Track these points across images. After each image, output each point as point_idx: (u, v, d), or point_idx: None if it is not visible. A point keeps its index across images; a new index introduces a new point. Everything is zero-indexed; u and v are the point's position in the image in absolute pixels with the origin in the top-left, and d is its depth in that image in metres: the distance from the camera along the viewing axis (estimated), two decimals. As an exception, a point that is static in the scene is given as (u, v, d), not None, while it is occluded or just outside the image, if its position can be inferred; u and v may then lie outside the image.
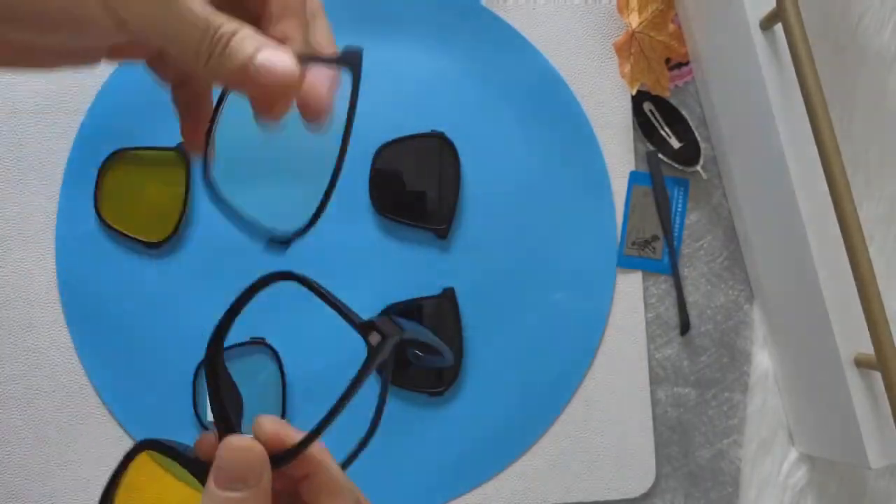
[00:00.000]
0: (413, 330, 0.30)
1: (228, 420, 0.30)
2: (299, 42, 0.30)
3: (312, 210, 0.31)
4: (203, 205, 0.59)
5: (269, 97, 0.28)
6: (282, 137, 0.31)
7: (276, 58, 0.27)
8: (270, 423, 0.30)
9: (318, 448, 0.31)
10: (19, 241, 0.58)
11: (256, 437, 0.29)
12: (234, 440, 0.28)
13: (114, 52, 0.30)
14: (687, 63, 0.63)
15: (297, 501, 0.31)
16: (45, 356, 0.58)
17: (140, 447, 0.30)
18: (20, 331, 0.58)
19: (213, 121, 0.31)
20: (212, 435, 0.30)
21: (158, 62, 0.31)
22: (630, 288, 0.62)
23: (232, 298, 0.31)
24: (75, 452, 0.58)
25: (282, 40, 0.29)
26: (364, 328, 0.28)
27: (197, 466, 0.29)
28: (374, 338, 0.29)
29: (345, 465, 0.32)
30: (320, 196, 0.31)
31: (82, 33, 0.25)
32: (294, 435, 0.30)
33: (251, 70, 0.27)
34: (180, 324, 0.58)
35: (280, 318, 0.58)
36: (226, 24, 0.26)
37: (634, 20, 0.60)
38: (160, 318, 0.58)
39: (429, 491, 0.59)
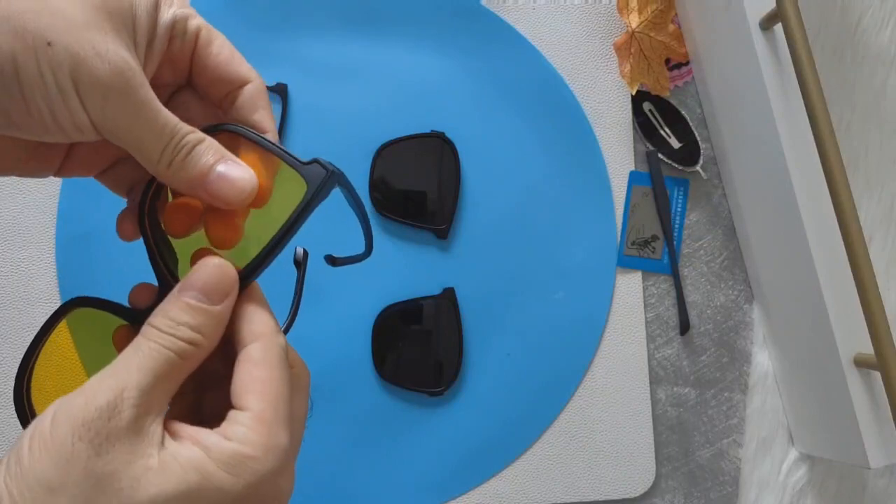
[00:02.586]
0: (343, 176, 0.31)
1: (167, 267, 0.30)
2: (273, 132, 0.32)
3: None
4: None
5: (224, 205, 0.29)
6: None
7: (235, 170, 0.28)
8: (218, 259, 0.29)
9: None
10: (19, 241, 0.58)
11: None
12: (212, 258, 0.28)
13: (63, 169, 0.31)
14: (687, 63, 0.63)
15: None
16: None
17: (71, 304, 0.31)
18: (20, 330, 0.58)
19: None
20: (147, 285, 0.31)
21: (107, 176, 0.32)
22: (630, 288, 0.62)
23: None
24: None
25: (261, 131, 0.31)
26: (309, 163, 0.29)
27: (133, 314, 0.30)
28: (318, 169, 0.29)
29: (296, 296, 0.32)
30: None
31: (57, 131, 0.26)
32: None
33: (210, 178, 0.28)
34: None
35: (282, 319, 0.58)
36: (191, 133, 0.28)
37: (634, 20, 0.60)
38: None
39: (428, 491, 0.59)
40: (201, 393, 0.31)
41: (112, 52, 0.26)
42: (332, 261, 0.34)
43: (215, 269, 0.28)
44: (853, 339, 0.52)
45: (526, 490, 0.60)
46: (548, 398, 0.61)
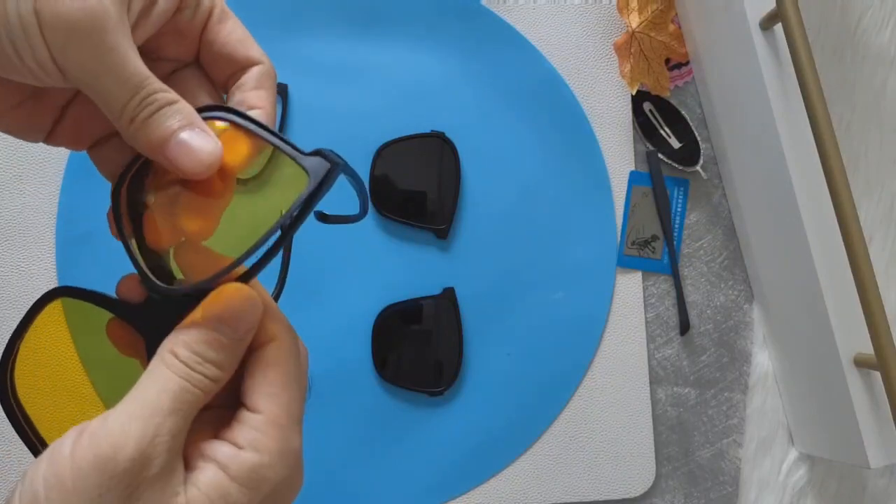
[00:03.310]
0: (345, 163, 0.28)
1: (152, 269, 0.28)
2: (268, 112, 0.30)
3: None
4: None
5: (181, 174, 0.27)
6: None
7: (199, 140, 0.26)
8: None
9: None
10: (19, 241, 0.58)
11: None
12: (237, 288, 0.26)
13: (54, 135, 0.30)
14: (687, 63, 0.63)
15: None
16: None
17: (54, 293, 0.29)
18: (20, 331, 0.58)
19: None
20: (135, 276, 0.29)
21: (98, 153, 0.31)
22: (630, 288, 0.62)
23: None
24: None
25: (256, 108, 0.29)
26: (312, 154, 0.27)
27: (122, 308, 0.28)
28: (321, 163, 0.27)
29: (283, 265, 0.30)
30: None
31: (22, 69, 0.25)
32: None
33: (171, 144, 0.26)
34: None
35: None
36: (162, 92, 0.26)
37: (634, 20, 0.60)
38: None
39: (428, 491, 0.59)
40: None
41: None
42: (322, 217, 0.32)
43: (245, 302, 0.26)
44: (853, 339, 0.52)
45: (526, 490, 0.60)
46: (548, 398, 0.61)
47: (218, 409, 0.27)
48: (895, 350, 0.46)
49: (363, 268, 0.60)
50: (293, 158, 0.27)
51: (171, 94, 0.27)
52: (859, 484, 0.63)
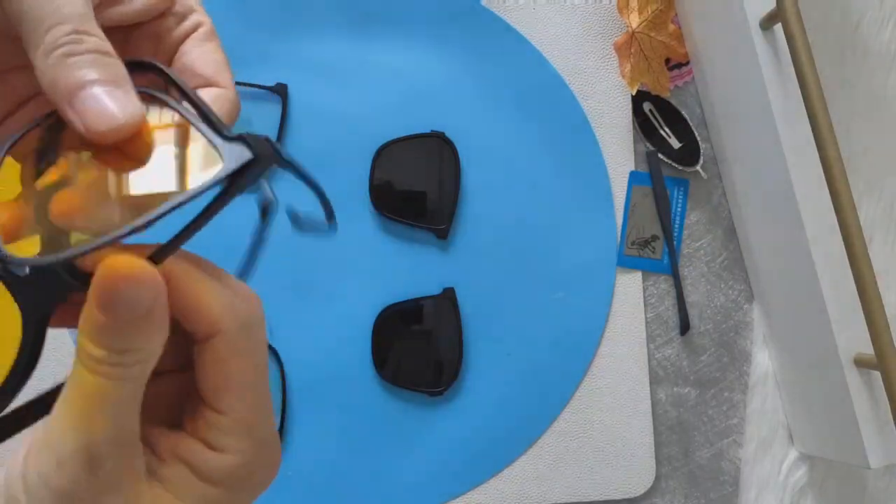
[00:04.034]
0: (288, 156, 0.24)
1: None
2: (231, 88, 0.27)
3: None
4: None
5: (83, 132, 0.23)
6: None
7: (116, 100, 0.23)
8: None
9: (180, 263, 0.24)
10: (19, 240, 0.58)
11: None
12: (115, 259, 0.21)
13: None
14: (687, 63, 0.63)
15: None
16: (44, 356, 0.58)
17: None
18: (20, 331, 0.58)
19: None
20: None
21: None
22: (630, 288, 0.62)
23: None
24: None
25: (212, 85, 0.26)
26: (233, 139, 0.23)
27: (16, 282, 0.24)
28: (242, 151, 0.23)
29: (255, 247, 0.27)
30: None
31: None
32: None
33: (78, 97, 0.22)
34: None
35: (282, 319, 0.58)
36: (94, 38, 0.23)
37: (634, 20, 0.60)
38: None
39: (428, 491, 0.59)
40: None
41: None
42: (295, 220, 0.29)
43: (123, 278, 0.21)
44: (853, 339, 0.52)
45: (526, 490, 0.60)
46: (548, 398, 0.61)
47: (176, 375, 0.26)
48: (895, 350, 0.46)
49: (363, 268, 0.60)
50: (210, 140, 0.23)
51: (108, 46, 0.23)
52: (859, 484, 0.63)
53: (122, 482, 0.22)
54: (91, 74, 0.22)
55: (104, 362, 0.22)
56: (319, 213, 0.28)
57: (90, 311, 0.22)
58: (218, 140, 0.23)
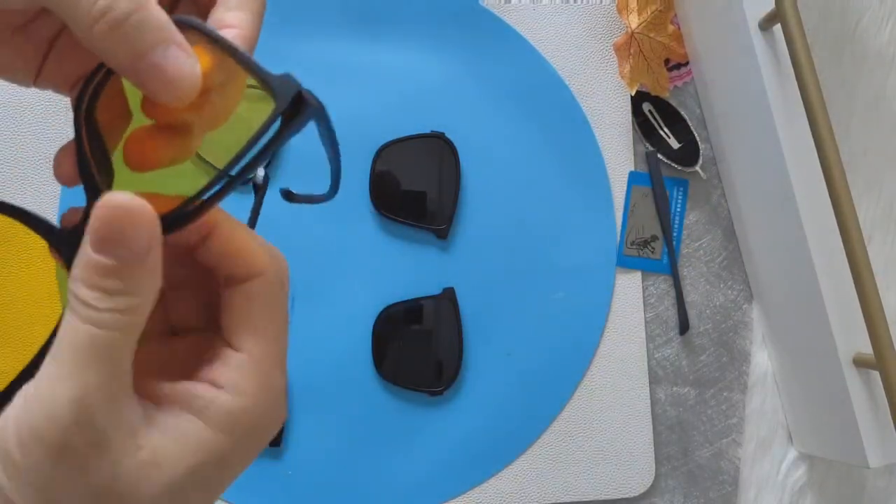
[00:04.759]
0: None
1: (94, 181, 0.24)
2: (245, 36, 0.26)
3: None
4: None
5: (154, 98, 0.23)
6: None
7: (175, 61, 0.23)
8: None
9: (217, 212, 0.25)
10: (20, 240, 0.58)
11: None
12: (114, 196, 0.21)
13: (43, 76, 0.27)
14: (686, 63, 0.63)
15: (201, 275, 0.26)
16: (45, 356, 0.58)
17: None
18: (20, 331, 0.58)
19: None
20: (81, 209, 0.24)
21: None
22: (629, 288, 0.62)
23: None
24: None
25: (229, 26, 0.25)
26: (280, 81, 0.24)
27: (57, 234, 0.24)
28: (289, 88, 0.23)
29: (251, 221, 0.28)
30: None
31: None
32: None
33: (144, 63, 0.22)
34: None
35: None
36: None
37: (634, 21, 0.60)
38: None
39: (428, 490, 0.59)
40: (166, 307, 0.27)
41: None
42: (288, 196, 0.30)
43: (121, 212, 0.21)
44: (852, 339, 0.52)
45: (525, 490, 0.60)
46: (547, 398, 0.61)
47: (195, 336, 0.26)
48: (894, 350, 0.46)
49: (363, 268, 0.60)
50: (263, 80, 0.24)
51: (153, 6, 0.23)
52: (858, 484, 0.63)
53: (116, 433, 0.21)
54: (147, 38, 0.22)
55: (96, 308, 0.21)
56: (312, 188, 0.28)
57: (85, 251, 0.21)
58: (267, 76, 0.24)
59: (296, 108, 0.23)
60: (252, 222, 0.27)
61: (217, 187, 0.23)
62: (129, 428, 0.22)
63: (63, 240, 0.23)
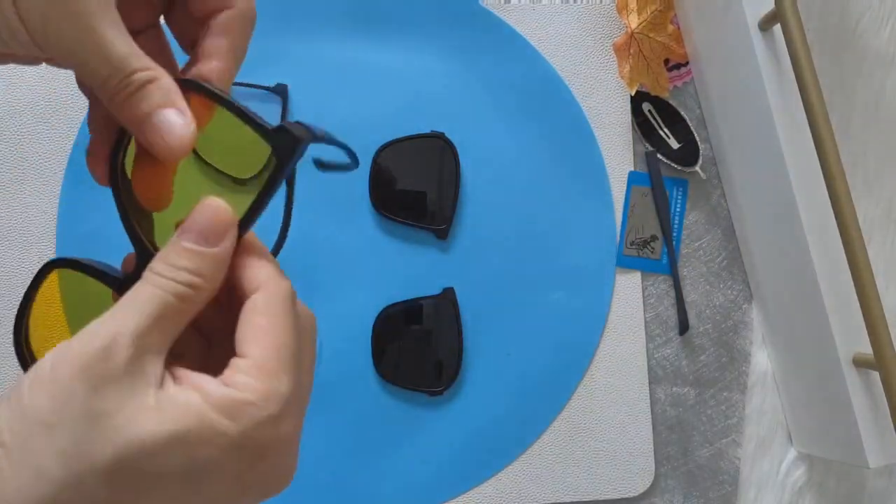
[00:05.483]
0: (321, 130, 0.29)
1: (140, 239, 0.29)
2: (222, 69, 0.29)
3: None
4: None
5: (158, 153, 0.27)
6: None
7: (173, 121, 0.27)
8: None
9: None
10: (19, 241, 0.58)
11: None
12: (209, 200, 0.27)
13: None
14: (686, 64, 0.63)
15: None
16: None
17: (52, 265, 0.30)
18: (20, 330, 0.58)
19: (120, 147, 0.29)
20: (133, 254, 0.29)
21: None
22: (629, 288, 0.62)
23: None
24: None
25: (207, 57, 0.29)
26: (276, 131, 0.28)
27: (119, 281, 0.29)
28: (289, 135, 0.28)
29: (275, 251, 0.31)
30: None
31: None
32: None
33: (147, 126, 0.27)
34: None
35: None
36: (143, 71, 0.26)
37: (634, 21, 0.60)
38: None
39: (427, 491, 0.59)
40: (209, 348, 0.31)
41: None
42: (320, 165, 0.34)
43: (210, 210, 0.27)
44: (852, 339, 0.52)
45: (525, 490, 0.60)
46: (547, 398, 0.61)
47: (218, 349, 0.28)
48: (894, 350, 0.46)
49: (363, 268, 0.60)
50: (258, 132, 0.28)
51: (152, 71, 0.27)
52: (858, 484, 0.63)
53: (132, 376, 0.24)
54: (151, 102, 0.27)
55: (165, 276, 0.26)
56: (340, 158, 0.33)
57: (173, 239, 0.27)
58: (264, 129, 0.28)
59: (292, 146, 0.28)
60: (286, 217, 0.31)
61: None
62: (146, 377, 0.24)
63: (125, 284, 0.27)
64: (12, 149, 0.59)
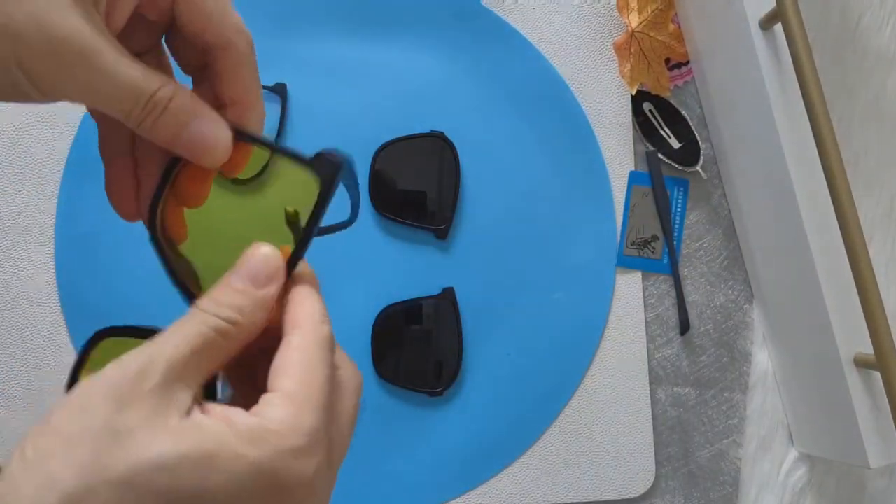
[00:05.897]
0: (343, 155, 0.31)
1: (186, 286, 0.30)
2: (254, 108, 0.30)
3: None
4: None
5: (202, 163, 0.28)
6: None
7: (208, 130, 0.28)
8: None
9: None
10: (19, 241, 0.58)
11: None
12: (260, 245, 0.28)
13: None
14: (687, 63, 0.63)
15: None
16: (44, 356, 0.58)
17: (99, 336, 0.31)
18: (20, 331, 0.58)
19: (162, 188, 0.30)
20: None
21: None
22: (630, 288, 0.62)
23: None
24: (75, 452, 0.58)
25: (236, 103, 0.30)
26: (315, 159, 0.29)
27: None
28: (328, 164, 0.29)
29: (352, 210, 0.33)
30: None
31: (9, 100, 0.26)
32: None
33: (183, 139, 0.27)
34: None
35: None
36: (162, 88, 0.27)
37: (634, 20, 0.60)
38: (160, 317, 0.58)
39: (428, 491, 0.59)
40: (255, 389, 0.31)
41: (57, 25, 0.24)
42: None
43: (260, 254, 0.28)
44: (853, 339, 0.52)
45: (526, 490, 0.60)
46: (548, 398, 0.61)
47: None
48: (895, 350, 0.46)
49: (363, 268, 0.60)
50: (298, 163, 0.29)
51: (168, 87, 0.27)
52: (859, 484, 0.63)
53: (160, 399, 0.24)
54: (181, 118, 0.27)
55: (210, 312, 0.26)
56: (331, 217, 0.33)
57: (223, 280, 0.27)
58: (303, 161, 0.29)
59: (333, 174, 0.29)
60: (355, 193, 0.33)
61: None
62: (173, 404, 0.25)
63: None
64: (11, 149, 0.59)
